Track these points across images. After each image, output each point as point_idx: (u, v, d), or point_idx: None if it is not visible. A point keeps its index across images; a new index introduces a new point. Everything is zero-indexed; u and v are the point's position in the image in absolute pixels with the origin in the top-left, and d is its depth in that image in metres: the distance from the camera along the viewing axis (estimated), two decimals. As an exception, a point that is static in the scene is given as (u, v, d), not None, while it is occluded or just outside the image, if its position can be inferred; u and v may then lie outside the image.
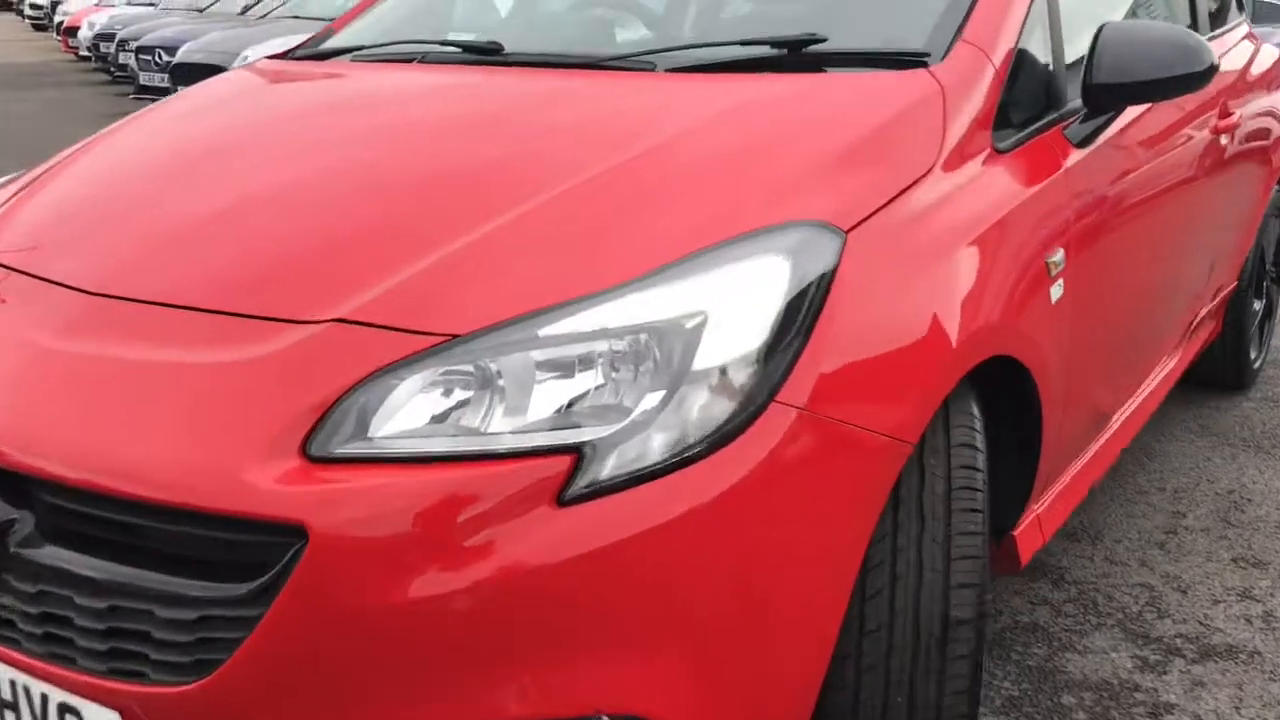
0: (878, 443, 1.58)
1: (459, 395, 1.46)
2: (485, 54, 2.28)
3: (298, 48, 2.75)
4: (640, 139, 1.80)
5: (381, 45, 2.50)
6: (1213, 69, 2.24)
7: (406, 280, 1.55)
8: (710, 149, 1.78)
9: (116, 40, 13.97)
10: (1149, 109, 2.52)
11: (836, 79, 2.03)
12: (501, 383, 1.45)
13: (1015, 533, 2.23)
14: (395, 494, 1.37)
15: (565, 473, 1.39)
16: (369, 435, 1.43)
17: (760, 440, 1.47)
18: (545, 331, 1.47)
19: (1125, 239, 2.39)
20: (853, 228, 1.65)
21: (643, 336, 1.46)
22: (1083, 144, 2.21)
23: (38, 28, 27.60)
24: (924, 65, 1.99)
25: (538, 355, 1.46)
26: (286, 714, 1.40)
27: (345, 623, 1.36)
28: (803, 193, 1.67)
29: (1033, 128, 2.13)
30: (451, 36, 2.55)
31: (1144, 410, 2.94)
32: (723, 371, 1.47)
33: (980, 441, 1.78)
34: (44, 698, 1.49)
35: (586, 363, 1.45)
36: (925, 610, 1.65)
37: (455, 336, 1.46)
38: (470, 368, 1.46)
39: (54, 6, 25.18)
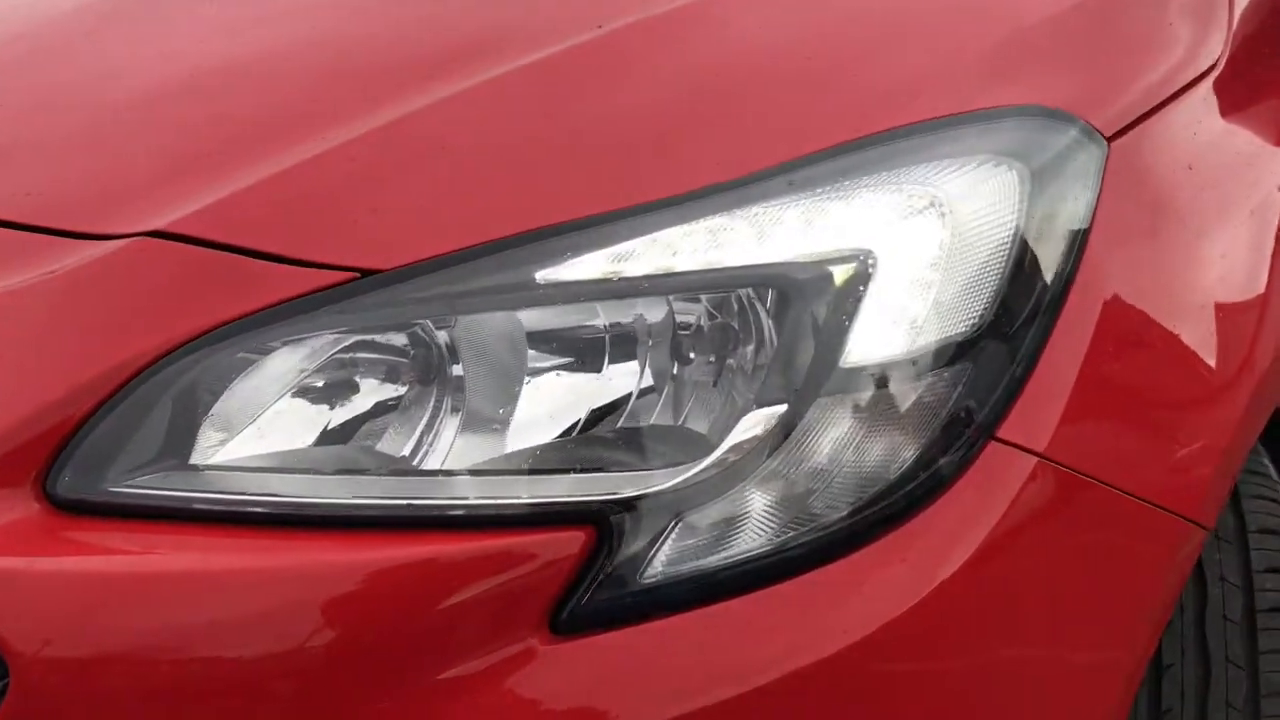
0: (1162, 523, 0.84)
1: (375, 391, 0.73)
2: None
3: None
4: None
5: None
6: None
7: (299, 167, 0.81)
8: None
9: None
10: None
11: None
12: (457, 370, 0.73)
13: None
14: (183, 599, 0.65)
15: (573, 565, 0.66)
16: (191, 461, 0.71)
17: (975, 510, 0.74)
18: (546, 274, 0.73)
19: None
20: (1121, 132, 0.91)
21: (742, 293, 0.73)
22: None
23: None
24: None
25: (531, 318, 0.73)
26: None
27: None
28: (1038, 66, 0.93)
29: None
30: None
31: None
32: (903, 374, 0.73)
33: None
34: None
35: (625, 340, 0.73)
36: None
37: (368, 272, 0.73)
38: (400, 337, 0.74)
39: None
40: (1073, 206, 0.84)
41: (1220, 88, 1.08)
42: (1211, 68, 1.08)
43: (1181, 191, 0.98)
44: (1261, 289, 0.96)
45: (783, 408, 0.70)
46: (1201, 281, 0.94)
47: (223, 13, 1.19)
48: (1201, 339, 0.91)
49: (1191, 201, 0.99)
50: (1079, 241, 0.83)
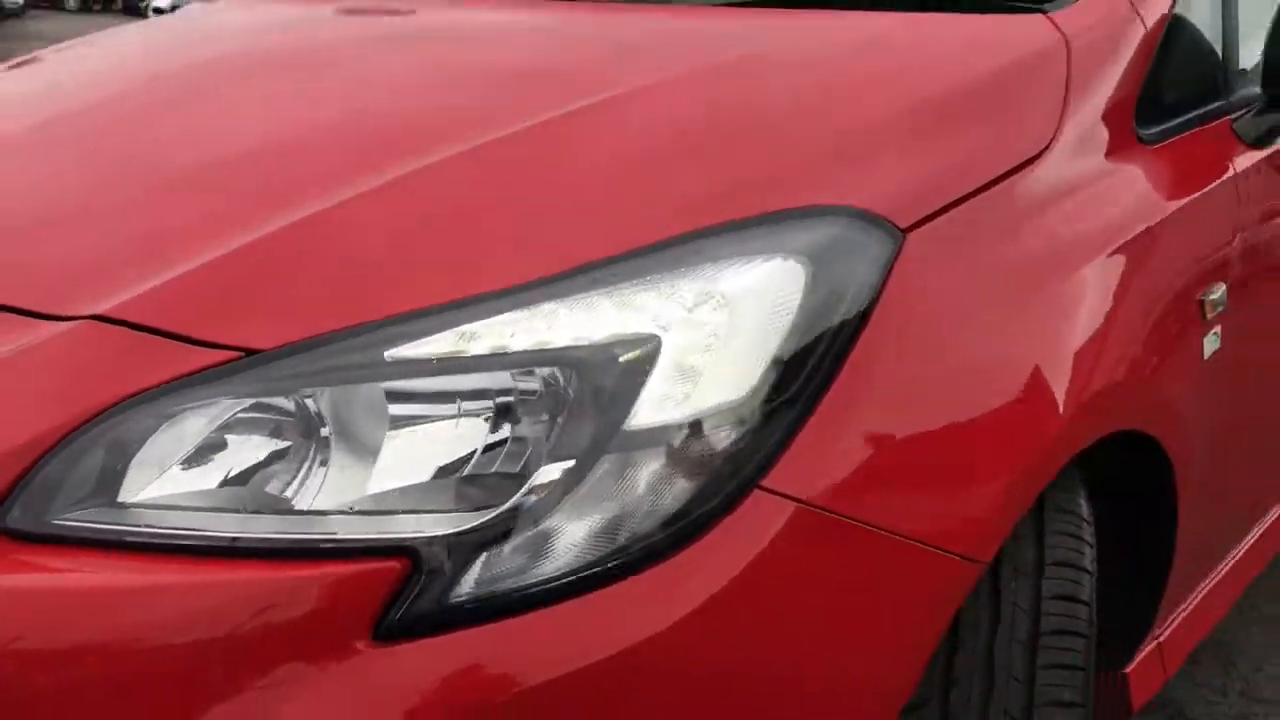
0: (930, 559, 1.00)
1: (266, 445, 0.92)
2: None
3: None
4: (613, 84, 1.24)
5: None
6: None
7: (211, 264, 1.01)
8: (716, 103, 1.22)
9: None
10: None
11: (924, 19, 1.45)
12: (325, 431, 0.91)
13: (1128, 670, 1.62)
14: (95, 610, 0.85)
15: (390, 587, 0.84)
16: (119, 499, 0.90)
17: (731, 547, 0.91)
18: (395, 353, 0.92)
19: None
20: (916, 225, 1.08)
21: (549, 371, 0.91)
22: (1259, 143, 1.61)
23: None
24: (1042, 11, 1.41)
25: (394, 385, 0.92)
26: None
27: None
28: (847, 167, 1.11)
29: (1192, 115, 1.53)
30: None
31: None
32: (677, 434, 0.91)
33: (1090, 558, 1.19)
34: None
35: (454, 407, 0.91)
36: None
37: (252, 352, 0.93)
38: (287, 402, 0.92)
39: (173, 9, 25.61)
40: (856, 291, 1.01)
41: (1038, 177, 1.23)
42: (1032, 159, 1.24)
43: (987, 262, 1.14)
44: (1039, 362, 1.12)
45: (572, 463, 0.88)
46: (982, 355, 1.09)
47: (230, 102, 1.41)
48: (977, 404, 1.06)
49: (997, 272, 1.15)
50: (857, 321, 1.00)
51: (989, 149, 1.20)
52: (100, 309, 0.97)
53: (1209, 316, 1.43)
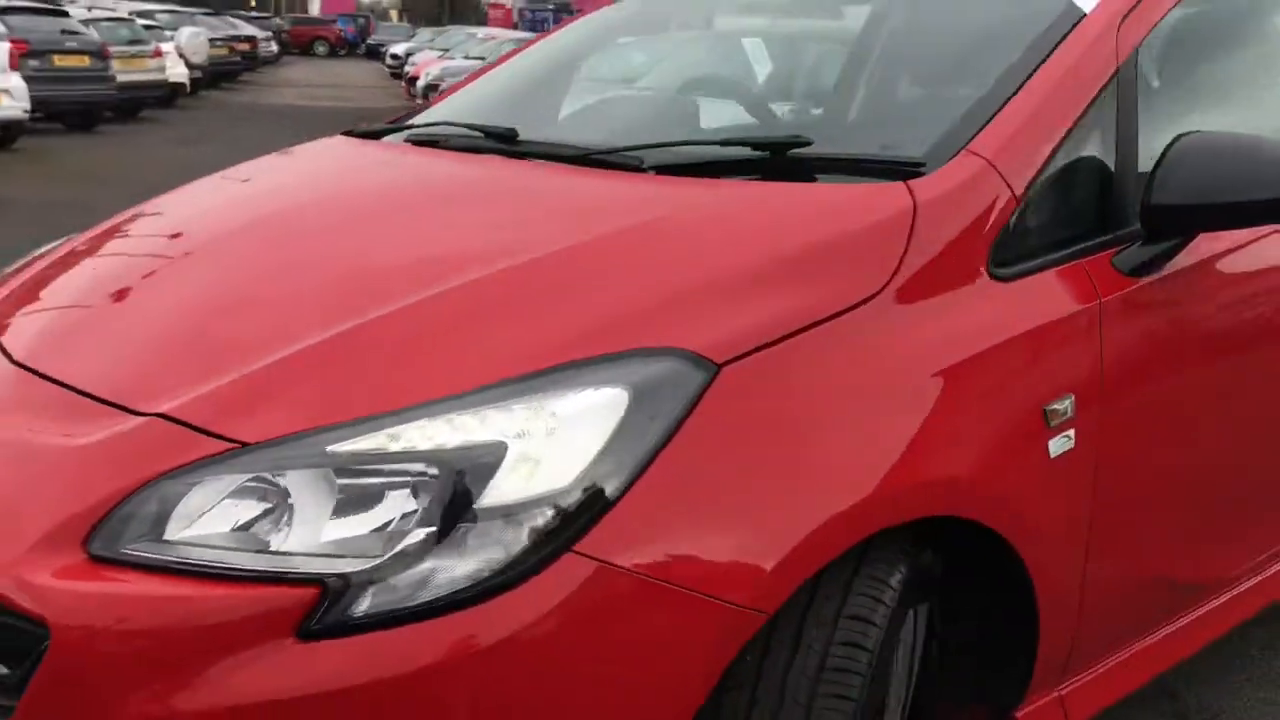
0: (716, 609, 1.38)
1: (257, 506, 1.39)
2: (501, 140, 2.21)
3: (396, 119, 2.78)
4: (532, 247, 1.68)
5: (420, 126, 2.49)
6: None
7: (239, 379, 1.50)
8: (597, 263, 1.64)
9: (439, 92, 15.06)
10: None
11: (800, 187, 1.83)
12: (291, 500, 1.37)
13: (1018, 714, 1.92)
14: (136, 606, 1.32)
15: (309, 605, 1.29)
16: (164, 538, 1.39)
17: (547, 593, 1.31)
18: (333, 448, 1.38)
19: (1206, 387, 2.02)
20: (733, 360, 1.46)
21: (424, 465, 1.34)
22: (1137, 273, 1.89)
23: (394, 75, 30.20)
24: (919, 175, 1.76)
25: (326, 472, 1.37)
26: None
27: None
28: (678, 317, 1.50)
29: (1064, 252, 1.84)
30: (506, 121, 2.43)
31: (1262, 594, 2.47)
32: (515, 512, 1.33)
33: (882, 616, 1.53)
34: None
35: (370, 486, 1.36)
36: None
37: (244, 445, 1.40)
38: (270, 478, 1.39)
39: (408, 56, 27.52)
40: (669, 410, 1.40)
41: (867, 316, 1.59)
42: (862, 302, 1.59)
43: (799, 384, 1.50)
44: (841, 459, 1.48)
45: (436, 528, 1.31)
46: (788, 454, 1.46)
47: (292, 250, 1.92)
48: (772, 491, 1.43)
49: (807, 391, 1.51)
50: (668, 431, 1.39)
51: (816, 297, 1.56)
52: (162, 409, 1.47)
53: (1054, 423, 1.73)
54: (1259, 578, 2.40)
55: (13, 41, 13.15)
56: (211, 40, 23.38)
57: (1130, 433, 1.87)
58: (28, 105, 12.82)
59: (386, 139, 2.49)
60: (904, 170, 1.78)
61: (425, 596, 1.30)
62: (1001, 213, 1.75)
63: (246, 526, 1.38)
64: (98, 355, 1.68)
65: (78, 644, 1.33)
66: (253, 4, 72.21)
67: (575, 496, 1.34)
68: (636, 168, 1.95)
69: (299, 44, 47.98)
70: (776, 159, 1.89)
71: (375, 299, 1.60)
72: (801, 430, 1.49)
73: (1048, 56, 1.93)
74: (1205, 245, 1.97)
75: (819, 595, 1.50)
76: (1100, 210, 1.91)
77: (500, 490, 1.33)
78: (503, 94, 2.73)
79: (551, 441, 1.36)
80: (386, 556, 1.31)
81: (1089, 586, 1.88)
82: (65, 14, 15.84)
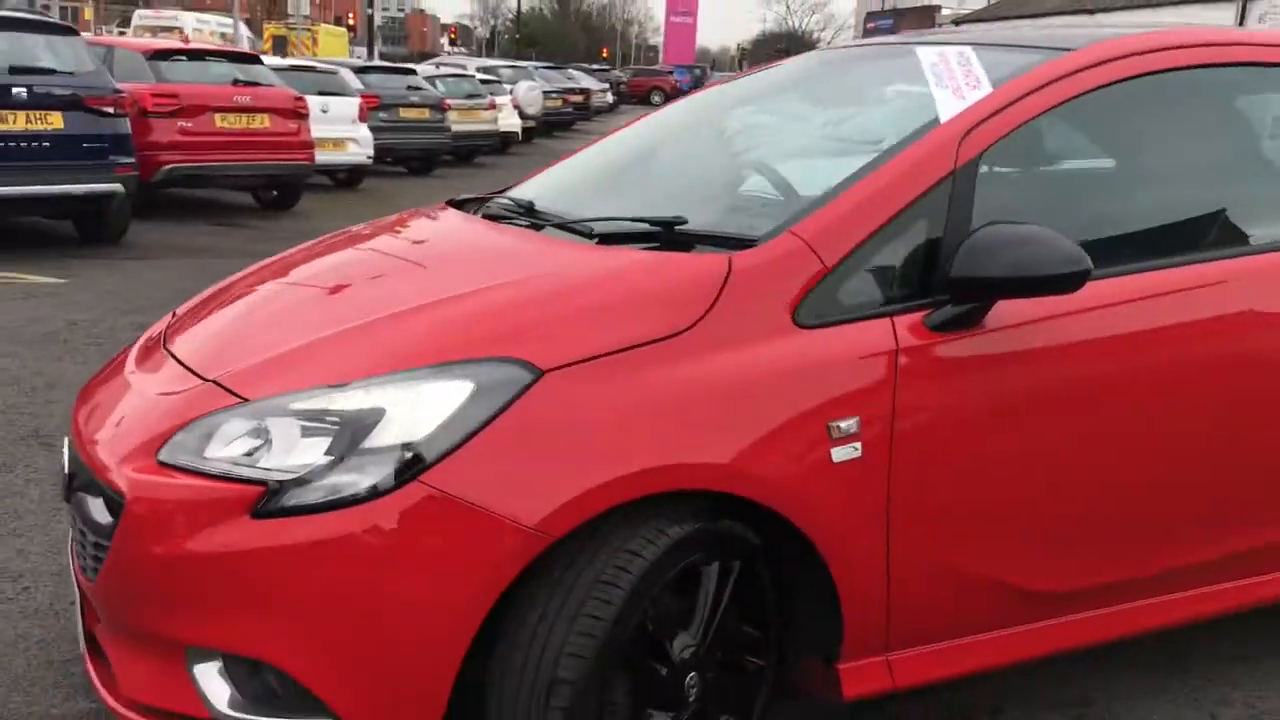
0: (515, 529, 2.09)
1: (254, 440, 2.24)
2: (524, 212, 3.03)
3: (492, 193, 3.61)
4: (456, 289, 2.47)
5: (490, 198, 3.33)
6: (1082, 275, 2.36)
7: (257, 364, 2.37)
8: (488, 299, 2.40)
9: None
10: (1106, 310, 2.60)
11: (629, 253, 2.54)
12: (272, 436, 2.21)
13: (839, 665, 2.49)
14: (165, 490, 2.20)
15: (257, 497, 2.12)
16: (204, 455, 2.26)
17: (399, 504, 2.08)
18: (294, 405, 2.21)
19: (1002, 426, 2.51)
20: (556, 368, 2.18)
21: (335, 419, 2.15)
22: (941, 329, 2.43)
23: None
24: (752, 247, 2.41)
25: (292, 419, 2.20)
26: (128, 610, 2.28)
27: (136, 558, 2.21)
28: (528, 338, 2.24)
29: (878, 309, 2.41)
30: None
31: (1162, 614, 2.85)
32: (385, 452, 2.11)
33: (650, 551, 2.18)
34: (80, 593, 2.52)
35: (307, 429, 2.18)
36: (544, 667, 2.12)
37: (246, 400, 2.26)
38: (262, 423, 2.24)
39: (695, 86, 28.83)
40: (500, 397, 2.14)
41: (677, 345, 2.25)
42: (673, 335, 2.26)
43: (611, 387, 2.19)
44: (629, 440, 2.16)
45: (335, 457, 2.11)
46: (582, 435, 2.16)
47: (328, 289, 2.81)
48: (566, 454, 2.13)
49: (619, 393, 2.19)
50: (498, 410, 2.13)
51: (635, 330, 2.24)
52: (213, 377, 2.37)
53: (836, 436, 2.32)
54: (1108, 609, 2.80)
55: (364, 97, 15.30)
56: (546, 93, 25.63)
57: (925, 454, 2.41)
58: (371, 153, 14.90)
59: (470, 209, 3.35)
60: (744, 243, 2.43)
61: (324, 499, 2.10)
62: (811, 278, 2.36)
63: (251, 452, 2.23)
64: (201, 345, 2.61)
65: (140, 511, 2.22)
66: (604, 55, 76.56)
67: (425, 445, 2.10)
68: (588, 234, 2.70)
69: (637, 94, 50.96)
70: (668, 232, 2.58)
71: (343, 322, 2.44)
72: (603, 415, 2.18)
73: (894, 157, 2.52)
74: (1006, 313, 2.48)
75: (611, 530, 2.17)
76: (923, 279, 2.47)
77: (378, 438, 2.12)
78: (571, 171, 3.54)
79: (415, 411, 2.13)
80: (304, 473, 2.12)
81: (897, 578, 2.43)
82: (413, 72, 18.11)
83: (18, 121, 8.33)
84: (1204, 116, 3.10)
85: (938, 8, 60.09)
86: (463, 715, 2.19)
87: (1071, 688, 3.08)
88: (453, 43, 71.94)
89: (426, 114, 17.09)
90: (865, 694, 2.53)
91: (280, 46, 48.24)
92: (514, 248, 2.78)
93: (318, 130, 13.00)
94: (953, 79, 2.76)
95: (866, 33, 74.55)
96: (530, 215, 3.01)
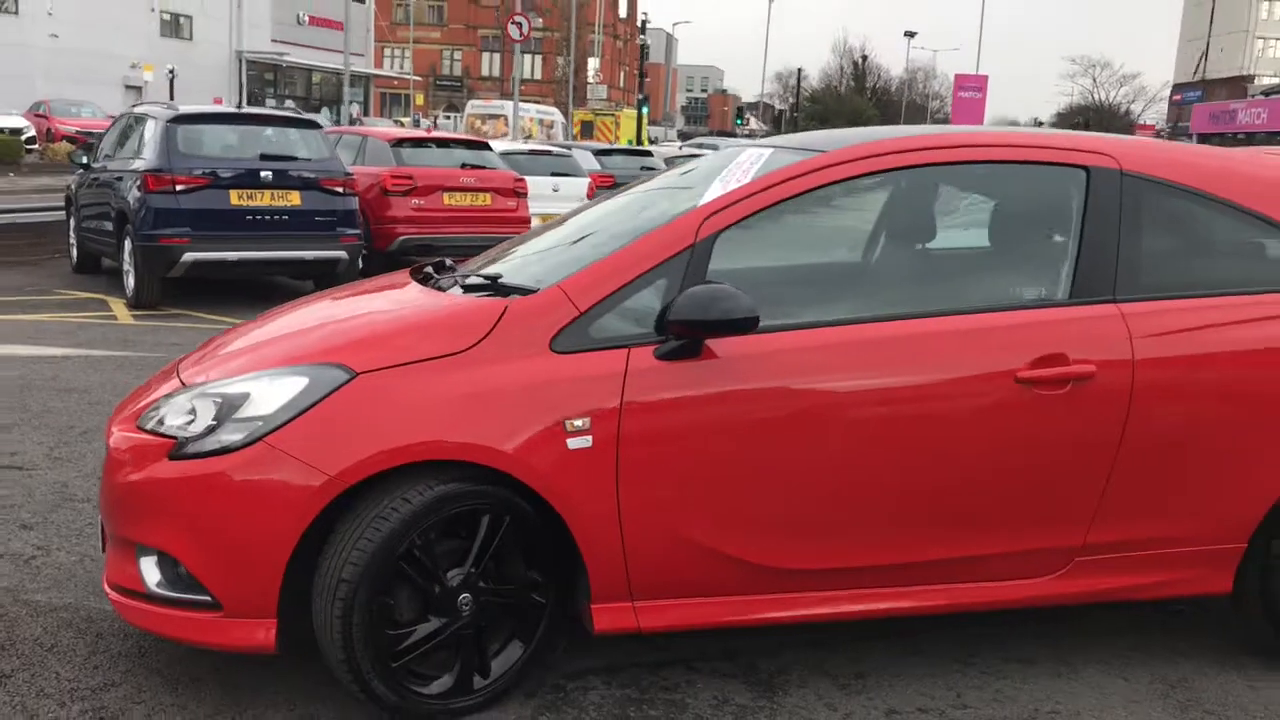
0: (322, 475, 3.14)
1: (193, 414, 3.40)
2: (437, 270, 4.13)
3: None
4: (340, 321, 3.59)
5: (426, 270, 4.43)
6: (753, 321, 3.19)
7: (206, 368, 3.56)
8: (345, 327, 3.48)
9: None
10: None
11: (449, 298, 3.60)
12: (197, 409, 3.37)
13: (591, 605, 3.38)
14: (127, 442, 3.40)
15: (171, 446, 3.28)
16: (164, 421, 3.45)
17: (251, 455, 3.18)
18: (208, 389, 3.37)
19: (718, 430, 3.33)
20: (368, 371, 3.23)
21: (218, 399, 3.29)
22: (665, 357, 3.30)
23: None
24: (509, 298, 3.41)
25: (204, 398, 3.36)
26: (110, 519, 3.50)
27: (112, 485, 3.42)
28: (356, 350, 3.30)
29: (619, 342, 3.31)
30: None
31: (919, 600, 3.54)
32: (245, 421, 3.22)
33: (418, 500, 3.17)
34: None
35: (207, 406, 3.32)
36: (334, 570, 3.15)
37: (187, 385, 3.44)
38: (193, 401, 3.41)
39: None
40: (323, 388, 3.21)
41: (461, 359, 3.24)
42: (459, 352, 3.26)
43: (407, 385, 3.21)
44: (440, 420, 3.18)
45: (214, 422, 3.25)
46: (403, 413, 3.18)
47: (287, 326, 3.98)
48: (371, 430, 3.17)
49: (412, 389, 3.21)
50: (320, 397, 3.20)
51: (431, 347, 3.26)
52: (184, 378, 3.57)
53: (570, 429, 3.23)
54: (850, 590, 3.52)
55: (596, 177, 16.90)
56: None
57: (650, 450, 3.27)
58: (595, 226, 16.40)
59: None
60: (527, 292, 3.41)
61: (207, 449, 3.23)
62: (567, 318, 3.30)
63: (191, 420, 3.39)
64: (198, 365, 3.82)
65: (117, 458, 3.44)
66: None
67: (270, 418, 3.20)
68: (462, 285, 3.74)
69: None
70: (493, 284, 3.59)
71: (260, 344, 3.59)
72: (397, 404, 3.20)
73: (649, 233, 3.43)
74: (719, 348, 3.31)
75: (380, 487, 3.18)
76: (661, 321, 3.35)
77: (243, 412, 3.23)
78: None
79: (269, 394, 3.23)
80: (196, 432, 3.26)
81: (631, 543, 3.30)
82: (649, 154, 19.66)
83: (264, 199, 10.23)
84: (898, 203, 4.05)
85: (1251, 78, 57.06)
86: (298, 615, 3.26)
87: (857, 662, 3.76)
88: (740, 121, 74.44)
89: (657, 190, 18.51)
90: (613, 629, 3.39)
91: (588, 130, 51.81)
92: (403, 297, 3.86)
93: (548, 206, 14.59)
94: (734, 173, 3.63)
95: (1172, 104, 71.63)
96: (440, 273, 4.09)
